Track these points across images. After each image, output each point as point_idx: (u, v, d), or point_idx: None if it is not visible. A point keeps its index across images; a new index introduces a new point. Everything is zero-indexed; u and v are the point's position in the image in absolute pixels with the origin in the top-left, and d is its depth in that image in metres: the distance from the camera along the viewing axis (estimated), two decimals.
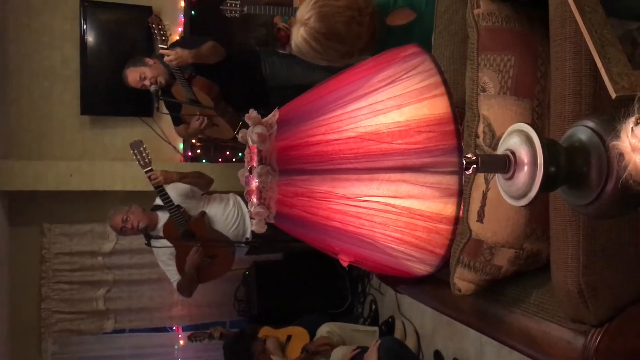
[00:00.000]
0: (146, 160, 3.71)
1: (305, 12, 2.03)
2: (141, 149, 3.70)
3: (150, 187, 3.81)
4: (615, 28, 1.19)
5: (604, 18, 1.19)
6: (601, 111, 1.30)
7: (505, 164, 1.03)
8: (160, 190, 3.74)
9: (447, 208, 0.92)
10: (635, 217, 1.19)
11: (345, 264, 1.04)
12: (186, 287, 4.00)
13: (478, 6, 1.66)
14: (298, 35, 2.05)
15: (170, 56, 3.43)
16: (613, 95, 1.11)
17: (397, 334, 4.08)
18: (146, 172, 3.71)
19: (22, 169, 4.57)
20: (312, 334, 4.27)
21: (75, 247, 4.83)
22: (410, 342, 3.97)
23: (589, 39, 1.16)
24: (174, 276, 4.01)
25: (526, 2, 1.71)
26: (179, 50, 3.48)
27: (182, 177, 3.96)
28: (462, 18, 1.80)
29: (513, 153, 1.03)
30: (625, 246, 1.37)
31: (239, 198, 4.10)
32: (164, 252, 3.93)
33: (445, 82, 0.94)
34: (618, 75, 1.13)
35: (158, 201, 3.90)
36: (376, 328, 4.27)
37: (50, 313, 4.82)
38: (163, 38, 3.54)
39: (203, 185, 4.07)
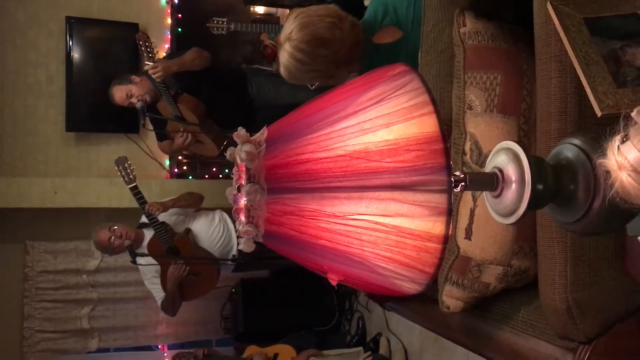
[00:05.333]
0: (131, 176, 3.71)
1: (287, 29, 2.07)
2: (126, 165, 3.70)
3: (135, 204, 3.80)
4: (600, 47, 1.20)
5: (588, 37, 1.21)
6: (587, 129, 1.32)
7: (493, 182, 1.03)
8: (145, 207, 3.74)
9: (437, 226, 0.91)
10: (622, 234, 1.20)
11: (334, 283, 1.03)
12: (170, 305, 3.97)
13: (464, 25, 1.68)
14: (284, 53, 2.06)
15: (156, 69, 3.42)
16: (599, 113, 1.12)
17: (382, 350, 4.06)
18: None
19: (6, 185, 4.51)
20: (299, 352, 4.24)
21: (59, 265, 4.76)
22: None
23: (573, 57, 1.18)
24: (159, 294, 3.98)
25: (512, 20, 1.74)
26: (162, 62, 3.48)
27: (175, 203, 3.95)
28: (448, 37, 1.82)
29: (501, 171, 1.03)
30: (612, 263, 1.37)
31: (225, 214, 4.09)
32: (149, 269, 3.91)
33: (433, 101, 0.94)
34: (603, 93, 1.14)
35: (144, 219, 3.88)
36: (360, 348, 4.26)
37: (33, 332, 4.73)
38: (150, 55, 3.53)
39: (194, 205, 4.08)
